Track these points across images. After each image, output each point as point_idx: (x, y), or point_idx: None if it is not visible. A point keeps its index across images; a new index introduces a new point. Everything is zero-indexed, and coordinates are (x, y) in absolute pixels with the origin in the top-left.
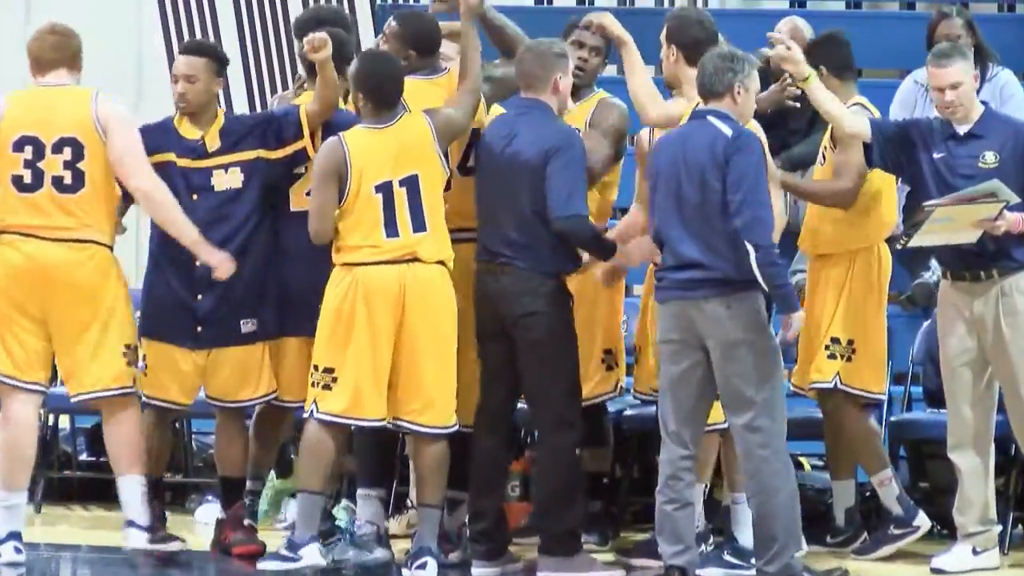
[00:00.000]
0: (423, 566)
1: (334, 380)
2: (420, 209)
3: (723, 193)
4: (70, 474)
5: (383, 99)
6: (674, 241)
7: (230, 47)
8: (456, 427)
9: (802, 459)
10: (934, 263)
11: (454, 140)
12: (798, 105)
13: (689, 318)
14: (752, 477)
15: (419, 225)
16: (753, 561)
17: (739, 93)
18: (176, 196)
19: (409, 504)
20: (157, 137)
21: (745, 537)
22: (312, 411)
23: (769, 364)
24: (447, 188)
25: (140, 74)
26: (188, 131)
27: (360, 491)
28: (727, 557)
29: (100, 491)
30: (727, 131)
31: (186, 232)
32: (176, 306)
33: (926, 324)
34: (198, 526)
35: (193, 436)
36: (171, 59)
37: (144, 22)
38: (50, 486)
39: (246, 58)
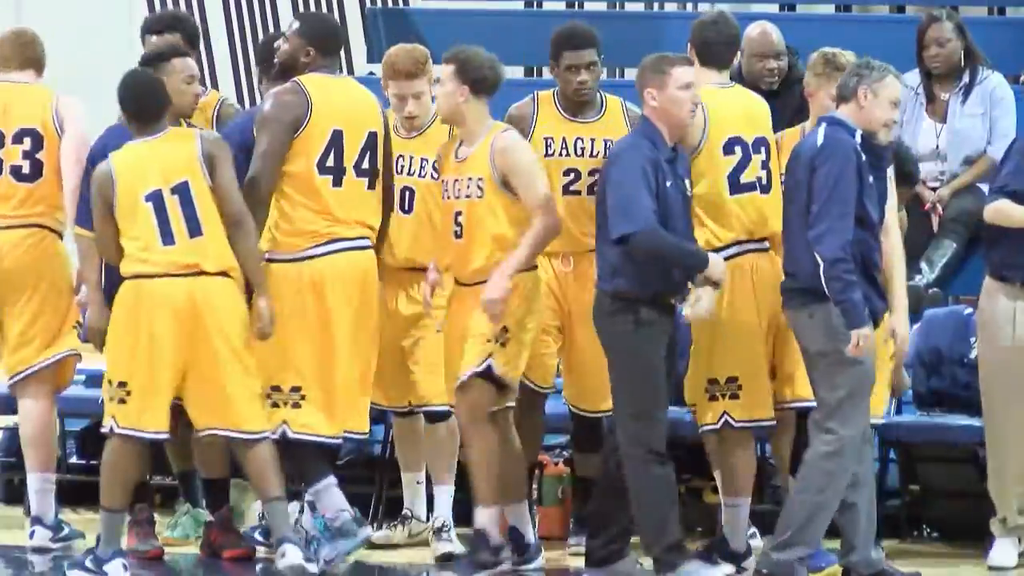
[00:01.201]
0: (283, 555)
1: (128, 394)
2: (195, 215)
3: (808, 203)
4: (59, 477)
5: (145, 115)
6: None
7: (219, 45)
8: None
9: None
10: (924, 266)
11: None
12: None
13: (793, 326)
14: (806, 466)
15: (195, 230)
16: (744, 564)
17: (865, 98)
18: None
19: (407, 513)
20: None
21: (737, 541)
22: (112, 427)
23: (845, 373)
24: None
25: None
26: None
27: (312, 489)
28: (717, 559)
29: (91, 494)
30: (820, 140)
31: None
32: None
33: (915, 327)
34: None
35: None
36: None
37: (135, 20)
38: None
39: (235, 54)
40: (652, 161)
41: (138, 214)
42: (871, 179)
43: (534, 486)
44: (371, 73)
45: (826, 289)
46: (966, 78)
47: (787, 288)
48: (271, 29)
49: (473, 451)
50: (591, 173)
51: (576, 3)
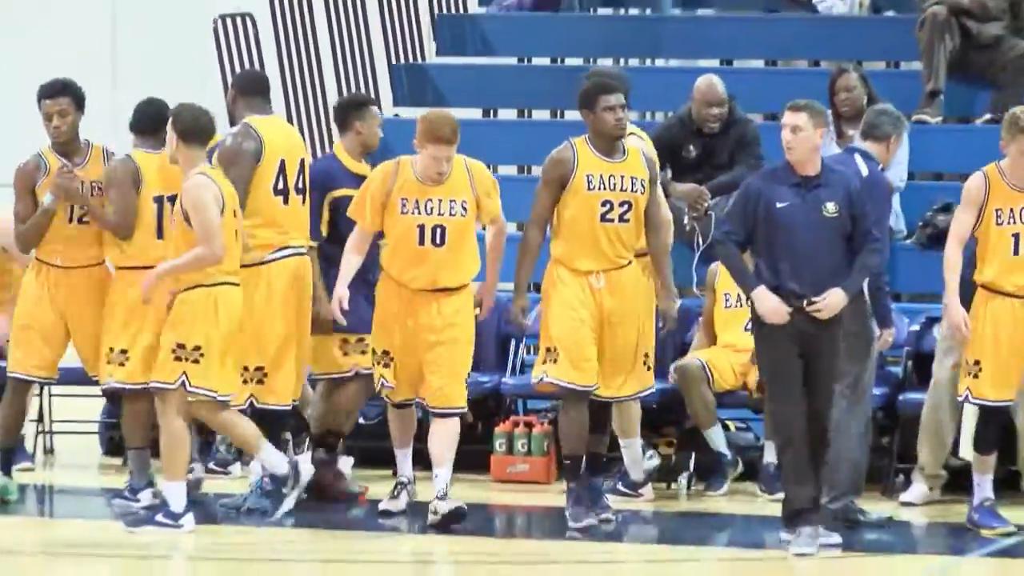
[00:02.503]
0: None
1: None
2: None
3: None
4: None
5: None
6: None
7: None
8: None
9: (728, 422)
10: None
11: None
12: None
13: None
14: (834, 430)
15: None
16: (641, 491)
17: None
18: None
19: (405, 480)
20: None
21: (635, 472)
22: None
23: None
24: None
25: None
26: None
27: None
28: (619, 487)
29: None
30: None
31: None
32: None
33: None
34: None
35: None
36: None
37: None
38: None
39: (288, 105)
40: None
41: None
42: None
43: (524, 442)
44: (396, 115)
45: None
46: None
47: None
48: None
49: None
50: (621, 204)
51: (559, 59)
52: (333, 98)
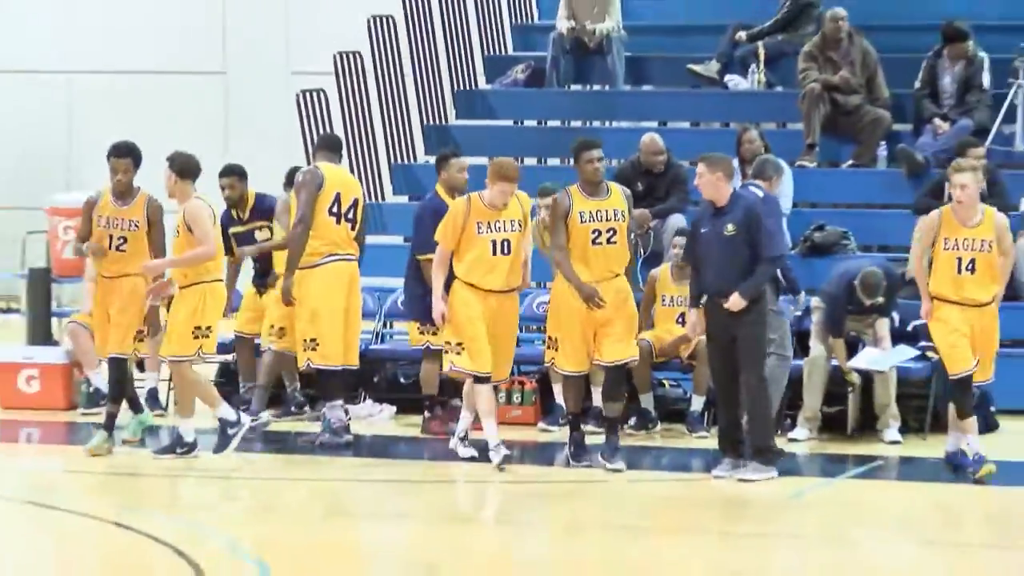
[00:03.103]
0: None
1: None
2: None
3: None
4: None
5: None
6: None
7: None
8: None
9: (665, 381)
10: None
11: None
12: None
13: None
14: (769, 377)
15: None
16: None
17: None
18: None
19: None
20: None
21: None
22: None
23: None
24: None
25: None
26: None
27: (328, 404)
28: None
29: None
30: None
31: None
32: None
33: None
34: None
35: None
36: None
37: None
38: None
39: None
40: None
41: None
42: None
43: (518, 395)
44: (427, 161)
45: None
46: None
47: None
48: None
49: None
50: (607, 231)
51: (543, 122)
52: (383, 150)
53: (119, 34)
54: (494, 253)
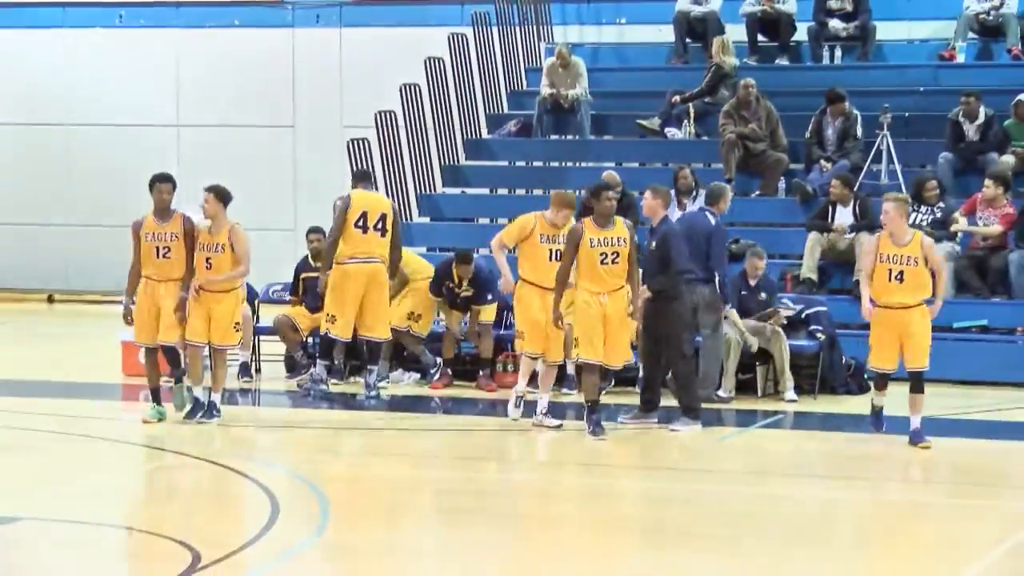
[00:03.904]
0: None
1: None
2: None
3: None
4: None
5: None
6: None
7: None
8: None
9: None
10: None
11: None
12: None
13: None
14: (702, 354)
15: None
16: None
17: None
18: None
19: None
20: None
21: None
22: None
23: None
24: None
25: None
26: None
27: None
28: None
29: None
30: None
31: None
32: None
33: None
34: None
35: None
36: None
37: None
38: None
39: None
40: None
41: None
42: None
43: (501, 365)
44: (443, 192)
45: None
46: (695, 195)
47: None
48: (399, 174)
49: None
50: (612, 254)
51: (530, 162)
52: (411, 183)
53: (214, 96)
54: (550, 259)
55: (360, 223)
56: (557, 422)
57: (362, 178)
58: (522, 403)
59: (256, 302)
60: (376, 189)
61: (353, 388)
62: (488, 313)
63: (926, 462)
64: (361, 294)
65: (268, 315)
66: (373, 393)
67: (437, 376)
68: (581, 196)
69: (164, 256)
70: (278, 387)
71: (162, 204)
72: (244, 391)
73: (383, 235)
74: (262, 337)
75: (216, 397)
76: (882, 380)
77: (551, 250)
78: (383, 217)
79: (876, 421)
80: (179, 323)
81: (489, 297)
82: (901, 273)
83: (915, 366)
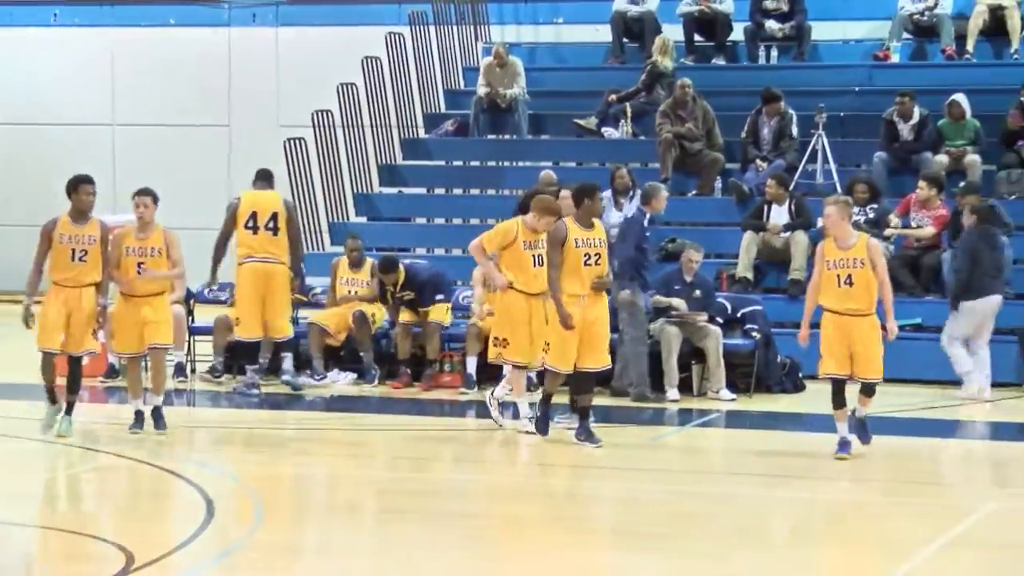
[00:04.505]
0: None
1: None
2: None
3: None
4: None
5: None
6: None
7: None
8: None
9: None
10: None
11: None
12: None
13: None
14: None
15: None
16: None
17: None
18: None
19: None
20: None
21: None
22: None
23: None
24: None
25: None
26: None
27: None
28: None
29: None
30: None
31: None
32: None
33: None
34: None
35: None
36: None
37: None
38: None
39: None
40: None
41: None
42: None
43: (447, 366)
44: (380, 191)
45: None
46: (632, 194)
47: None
48: (337, 175)
49: None
50: (595, 255)
51: (466, 162)
52: (348, 183)
53: (150, 95)
54: (534, 265)
55: (250, 223)
56: (529, 427)
57: (261, 177)
58: (527, 410)
59: (191, 302)
60: (272, 187)
61: (284, 389)
62: (438, 313)
63: (861, 461)
64: (262, 294)
65: (203, 315)
66: (251, 392)
67: (384, 377)
68: (518, 196)
69: (81, 260)
70: (214, 388)
71: (86, 206)
72: (179, 392)
73: (275, 234)
74: (197, 337)
75: (158, 400)
76: (838, 392)
77: (534, 256)
78: (274, 216)
79: (843, 448)
80: (94, 333)
81: (439, 297)
82: (849, 277)
83: (867, 375)
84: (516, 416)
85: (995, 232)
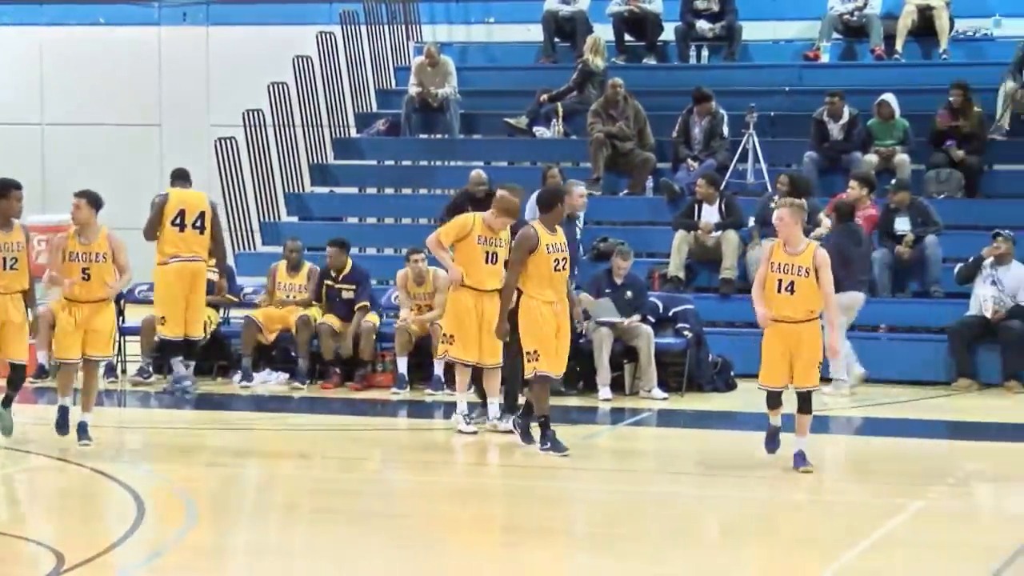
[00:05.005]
0: None
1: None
2: None
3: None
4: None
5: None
6: None
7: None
8: None
9: None
10: None
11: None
12: None
13: None
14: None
15: None
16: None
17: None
18: None
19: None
20: None
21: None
22: None
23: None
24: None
25: None
26: None
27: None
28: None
29: None
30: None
31: None
32: None
33: None
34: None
35: None
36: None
37: None
38: None
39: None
40: None
41: None
42: None
43: (379, 367)
44: (312, 191)
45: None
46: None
47: None
48: (268, 174)
49: None
50: (563, 259)
51: (398, 161)
52: (279, 182)
53: (80, 94)
54: (486, 262)
55: (177, 221)
56: (471, 429)
57: (179, 177)
58: (468, 414)
59: (122, 302)
60: (192, 186)
61: (219, 388)
62: (375, 315)
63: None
64: (187, 293)
65: (132, 316)
66: (184, 385)
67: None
68: (450, 196)
69: (11, 267)
70: (144, 388)
71: (15, 213)
72: (109, 392)
73: (201, 233)
74: (127, 337)
75: (88, 417)
76: (773, 398)
77: (487, 252)
78: (201, 215)
79: (770, 442)
80: (28, 340)
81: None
82: (792, 284)
83: (803, 384)
84: (455, 412)
85: (857, 229)
